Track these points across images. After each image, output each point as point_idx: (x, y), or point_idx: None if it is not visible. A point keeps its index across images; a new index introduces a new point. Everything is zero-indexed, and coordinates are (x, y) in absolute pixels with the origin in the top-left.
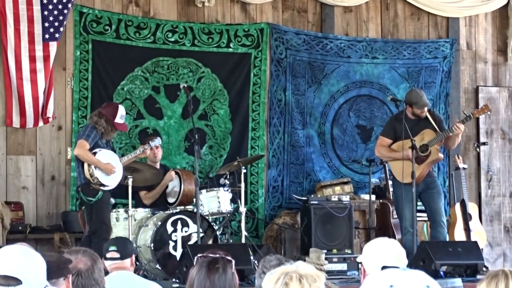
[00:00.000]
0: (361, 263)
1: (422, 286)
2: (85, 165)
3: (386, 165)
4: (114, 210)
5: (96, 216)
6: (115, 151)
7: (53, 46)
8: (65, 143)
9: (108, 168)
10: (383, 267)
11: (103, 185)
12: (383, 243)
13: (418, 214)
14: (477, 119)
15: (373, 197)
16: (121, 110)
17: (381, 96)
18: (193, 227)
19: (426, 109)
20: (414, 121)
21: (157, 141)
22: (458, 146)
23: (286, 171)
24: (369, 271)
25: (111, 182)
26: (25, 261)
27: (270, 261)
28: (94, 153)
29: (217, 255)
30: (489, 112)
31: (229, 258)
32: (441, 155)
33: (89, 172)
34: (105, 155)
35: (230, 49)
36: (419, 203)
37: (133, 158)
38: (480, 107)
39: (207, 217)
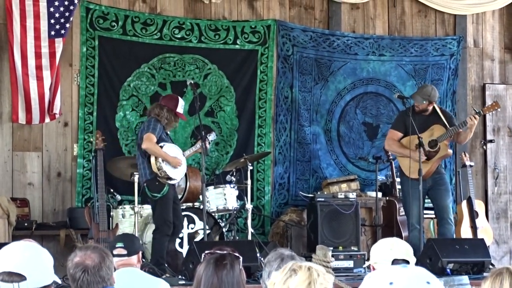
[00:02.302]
0: (369, 265)
1: (422, 282)
2: (152, 159)
3: (393, 162)
4: (120, 207)
5: (160, 212)
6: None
7: (59, 42)
8: (71, 140)
9: (176, 161)
10: (394, 261)
11: (170, 178)
12: (391, 240)
13: (424, 211)
14: (484, 117)
15: (380, 194)
16: (181, 100)
17: (388, 93)
18: (199, 224)
19: (425, 103)
20: (424, 117)
21: (213, 135)
22: (465, 143)
23: (292, 168)
24: (380, 268)
25: (177, 175)
26: (29, 257)
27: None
28: (161, 147)
29: (225, 252)
30: (498, 109)
31: (237, 254)
32: (450, 151)
33: (157, 166)
34: (170, 149)
35: (237, 46)
36: (426, 200)
37: (192, 153)
38: (490, 104)
39: (213, 214)
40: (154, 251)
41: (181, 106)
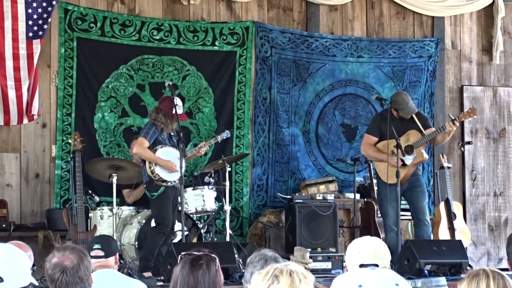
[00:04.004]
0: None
1: (391, 284)
2: (146, 163)
3: (371, 164)
4: (99, 208)
5: (159, 211)
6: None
7: (37, 44)
8: (50, 141)
9: (168, 165)
10: (361, 265)
11: (165, 181)
12: (362, 242)
13: (402, 213)
14: None
15: (358, 196)
16: (177, 101)
17: (366, 95)
18: (177, 226)
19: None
20: (399, 120)
21: (225, 135)
22: (442, 145)
23: (271, 170)
24: (350, 270)
25: (172, 178)
26: (5, 259)
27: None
28: (155, 150)
29: (201, 253)
30: (475, 116)
31: (213, 255)
32: (426, 156)
33: (150, 170)
34: (165, 152)
35: (216, 47)
36: (403, 202)
37: (195, 154)
38: (466, 110)
39: (191, 216)
40: (146, 246)
41: (179, 107)
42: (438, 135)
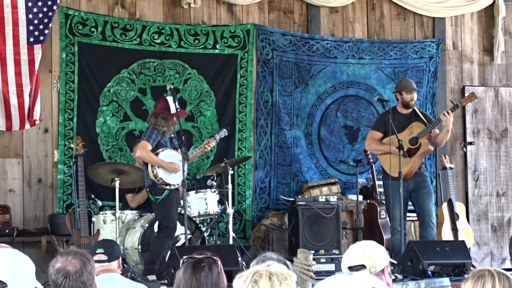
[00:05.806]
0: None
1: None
2: (149, 166)
3: (373, 165)
4: (102, 213)
5: (164, 214)
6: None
7: (38, 49)
8: (52, 146)
9: (172, 166)
10: (349, 267)
11: (168, 184)
12: (354, 246)
13: (408, 214)
14: (464, 119)
15: (360, 197)
16: (170, 99)
17: (368, 96)
18: (180, 229)
19: (415, 95)
20: (403, 116)
21: (223, 133)
22: (445, 145)
23: (273, 172)
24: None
25: (175, 181)
26: (9, 263)
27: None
28: (157, 154)
29: (203, 256)
30: (475, 100)
31: (215, 257)
32: (431, 147)
33: (153, 173)
34: (167, 155)
35: (217, 50)
36: (409, 203)
37: (199, 153)
38: (467, 95)
39: (194, 219)
40: (151, 249)
41: (173, 105)
42: (438, 134)
